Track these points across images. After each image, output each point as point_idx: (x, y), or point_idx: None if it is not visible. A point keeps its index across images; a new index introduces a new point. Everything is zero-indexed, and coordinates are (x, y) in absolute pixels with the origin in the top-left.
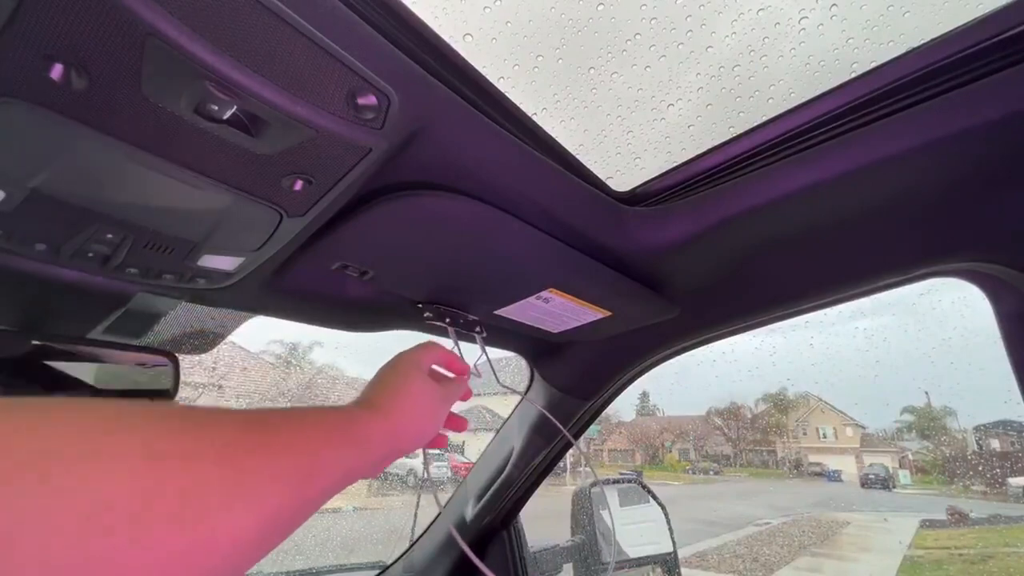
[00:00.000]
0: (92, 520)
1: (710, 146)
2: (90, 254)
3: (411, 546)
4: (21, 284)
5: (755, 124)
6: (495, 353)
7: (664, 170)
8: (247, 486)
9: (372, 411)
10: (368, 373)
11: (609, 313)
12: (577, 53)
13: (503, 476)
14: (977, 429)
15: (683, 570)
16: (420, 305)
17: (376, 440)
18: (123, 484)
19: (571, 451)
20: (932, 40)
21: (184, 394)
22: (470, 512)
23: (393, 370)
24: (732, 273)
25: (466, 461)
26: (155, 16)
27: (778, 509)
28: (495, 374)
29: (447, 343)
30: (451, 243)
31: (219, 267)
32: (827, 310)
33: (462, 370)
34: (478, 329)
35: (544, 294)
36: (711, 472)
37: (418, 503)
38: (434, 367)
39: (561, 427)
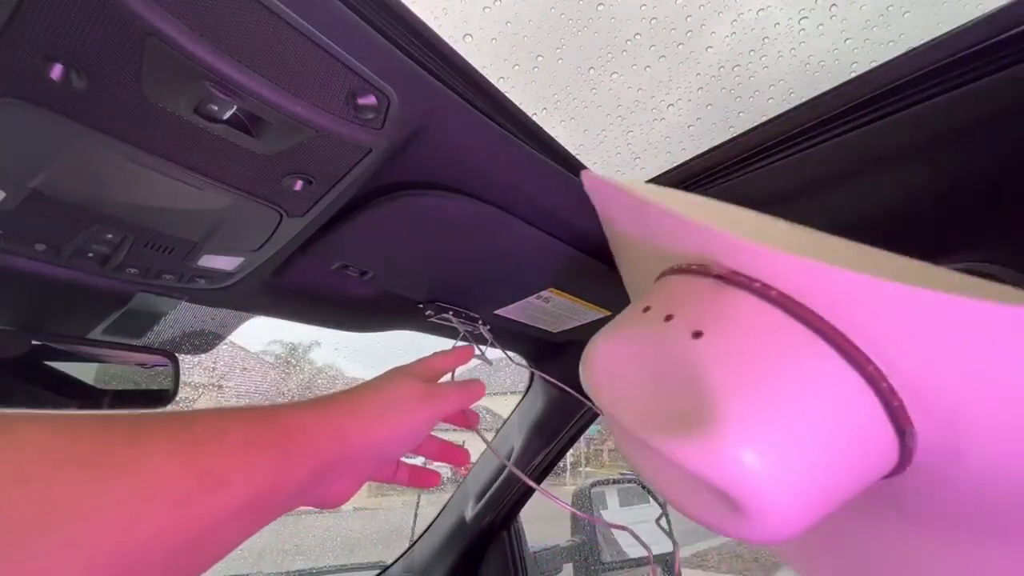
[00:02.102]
0: None
1: (710, 146)
2: (90, 254)
3: (411, 546)
4: (21, 284)
5: (755, 124)
6: (495, 353)
7: (664, 170)
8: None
9: (307, 407)
10: (368, 373)
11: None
12: (577, 53)
13: (503, 476)
14: None
15: (683, 570)
16: (420, 305)
17: (307, 439)
18: None
19: (571, 451)
20: (932, 40)
21: (184, 394)
22: (470, 512)
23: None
24: None
25: None
26: (155, 16)
27: None
28: (506, 354)
29: (447, 346)
30: (451, 243)
31: (219, 267)
32: None
33: (467, 355)
34: (481, 322)
35: (544, 294)
36: None
37: (418, 503)
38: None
39: (584, 400)
